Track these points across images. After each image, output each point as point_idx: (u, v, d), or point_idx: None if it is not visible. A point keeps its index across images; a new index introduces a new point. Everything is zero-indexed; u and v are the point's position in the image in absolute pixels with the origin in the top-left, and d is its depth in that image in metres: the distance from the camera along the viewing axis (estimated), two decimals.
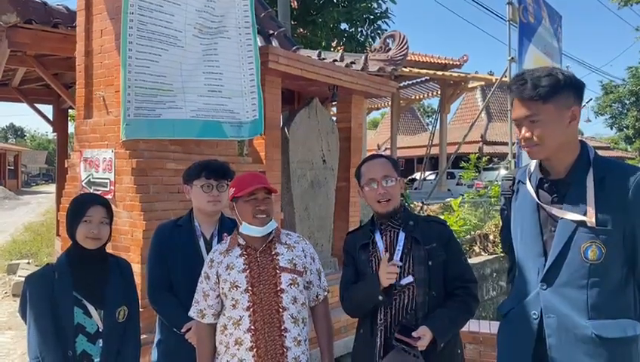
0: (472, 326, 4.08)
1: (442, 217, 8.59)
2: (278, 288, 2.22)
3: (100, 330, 2.27)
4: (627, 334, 1.76)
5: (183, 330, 2.51)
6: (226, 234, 2.65)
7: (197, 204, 2.70)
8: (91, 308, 2.26)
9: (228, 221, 2.77)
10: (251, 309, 2.19)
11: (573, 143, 1.87)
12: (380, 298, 2.15)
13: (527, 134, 1.83)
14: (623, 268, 1.80)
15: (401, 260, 2.19)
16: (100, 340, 2.26)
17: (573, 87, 1.82)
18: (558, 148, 1.84)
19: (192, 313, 2.35)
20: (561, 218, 1.83)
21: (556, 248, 1.83)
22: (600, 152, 1.90)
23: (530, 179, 1.98)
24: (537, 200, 1.92)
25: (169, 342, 2.67)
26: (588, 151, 1.87)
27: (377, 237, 2.29)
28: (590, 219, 1.76)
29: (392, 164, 2.31)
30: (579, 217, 1.79)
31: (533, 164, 2.00)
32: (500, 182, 2.21)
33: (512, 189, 2.07)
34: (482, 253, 8.96)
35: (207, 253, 2.61)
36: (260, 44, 6.29)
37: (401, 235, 2.24)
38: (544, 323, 1.86)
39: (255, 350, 2.16)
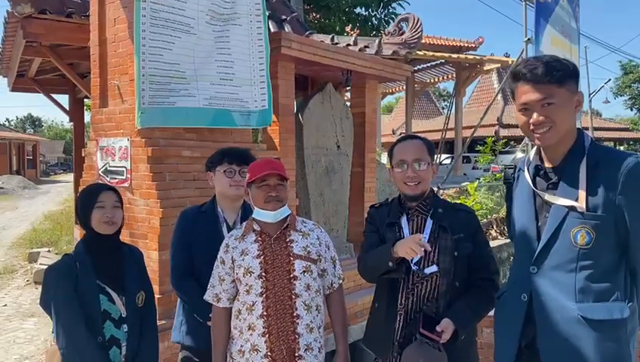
0: None
1: (458, 201, 8.54)
2: (291, 275, 2.23)
3: (124, 316, 2.33)
4: (613, 317, 1.78)
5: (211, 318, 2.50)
6: None
7: (220, 189, 2.74)
8: (114, 295, 2.32)
9: (250, 208, 2.79)
10: (264, 295, 2.21)
11: (573, 130, 1.90)
12: (390, 264, 2.08)
13: (541, 118, 1.83)
14: (615, 253, 1.82)
15: None
16: (125, 325, 2.33)
17: (576, 76, 1.85)
18: (566, 134, 1.86)
19: (207, 296, 2.38)
20: (554, 203, 1.87)
21: (547, 232, 1.88)
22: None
23: (528, 167, 2.01)
24: (533, 186, 1.95)
25: (191, 323, 2.71)
26: (584, 139, 1.89)
27: (403, 221, 2.24)
28: (580, 204, 1.80)
29: (427, 147, 2.25)
30: (570, 202, 1.82)
31: (533, 152, 2.03)
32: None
33: (513, 176, 2.12)
34: (499, 237, 8.92)
35: None
36: (272, 29, 6.27)
37: (429, 222, 2.20)
38: (533, 306, 1.90)
39: (267, 336, 2.18)
